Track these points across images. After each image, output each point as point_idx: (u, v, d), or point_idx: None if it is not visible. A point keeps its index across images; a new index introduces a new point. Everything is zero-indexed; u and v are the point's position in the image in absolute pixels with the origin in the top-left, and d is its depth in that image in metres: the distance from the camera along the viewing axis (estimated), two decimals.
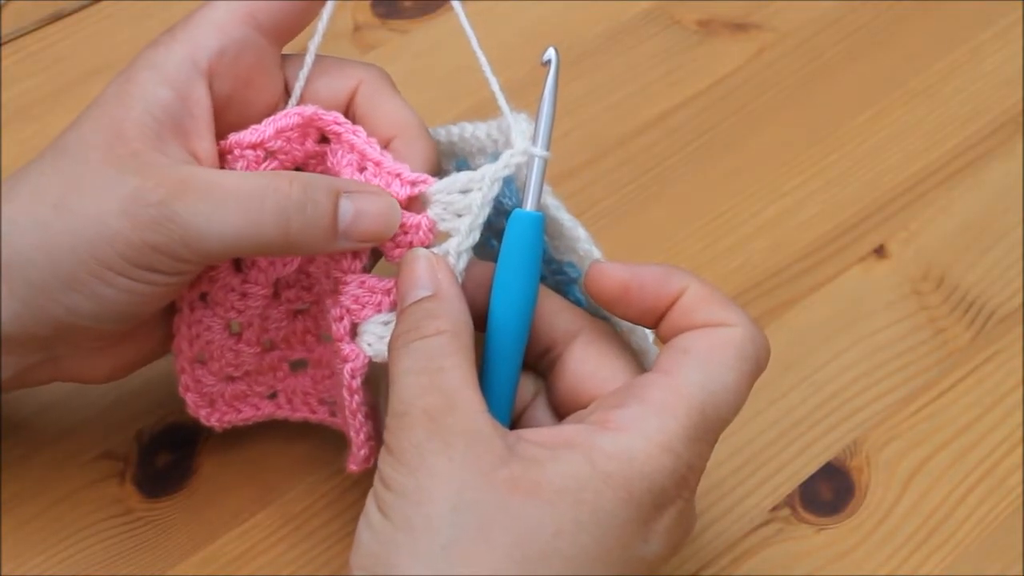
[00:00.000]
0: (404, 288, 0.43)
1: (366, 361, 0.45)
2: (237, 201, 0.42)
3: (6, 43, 0.64)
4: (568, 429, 0.41)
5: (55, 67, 0.63)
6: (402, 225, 0.44)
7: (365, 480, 0.50)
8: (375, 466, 0.42)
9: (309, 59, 0.46)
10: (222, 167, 0.45)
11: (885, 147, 0.63)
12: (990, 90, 0.66)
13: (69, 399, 0.52)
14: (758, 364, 0.43)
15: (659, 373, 0.42)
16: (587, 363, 0.44)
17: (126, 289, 0.43)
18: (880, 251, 0.60)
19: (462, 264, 0.44)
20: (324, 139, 0.47)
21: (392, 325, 0.44)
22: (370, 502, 0.41)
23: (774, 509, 0.52)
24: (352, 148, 0.45)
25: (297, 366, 0.49)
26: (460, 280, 0.44)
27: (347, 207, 0.43)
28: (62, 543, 0.49)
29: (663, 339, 0.43)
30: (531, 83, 0.64)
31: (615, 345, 0.45)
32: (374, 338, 0.45)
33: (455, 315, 0.42)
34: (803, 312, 0.58)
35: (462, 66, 0.63)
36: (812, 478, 0.53)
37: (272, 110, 0.46)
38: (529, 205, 0.44)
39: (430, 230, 0.44)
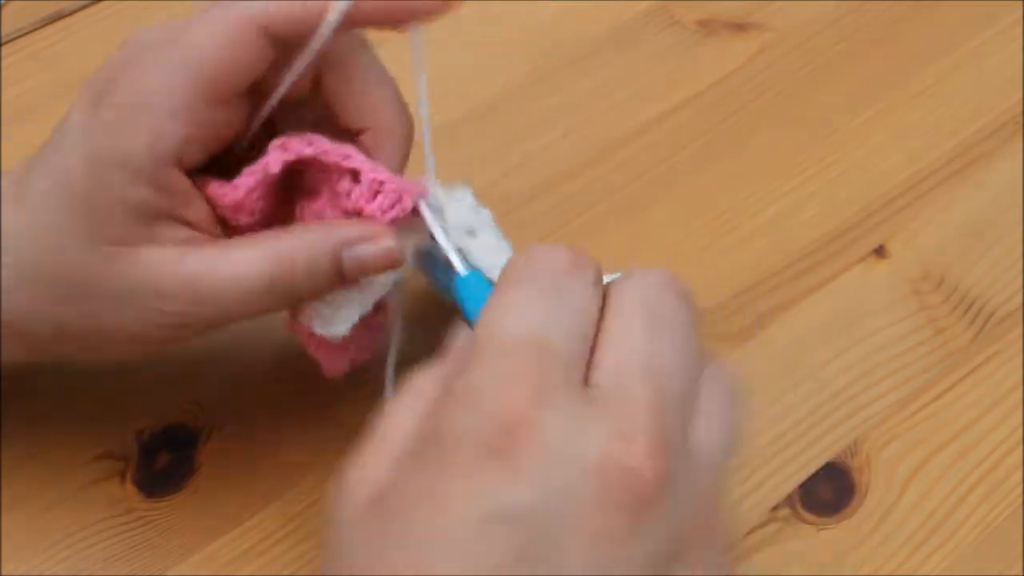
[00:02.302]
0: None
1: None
2: (249, 295, 0.43)
3: (6, 43, 0.64)
4: None
5: (55, 67, 0.63)
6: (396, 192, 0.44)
7: None
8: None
9: (278, 93, 0.45)
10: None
11: (885, 147, 0.63)
12: (990, 90, 0.66)
13: (69, 399, 0.52)
14: (527, 265, 0.39)
15: None
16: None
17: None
18: (880, 251, 0.60)
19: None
20: None
21: (343, 306, 0.45)
22: None
23: (774, 509, 0.52)
24: (340, 169, 0.44)
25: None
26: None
27: (348, 260, 0.44)
28: (62, 543, 0.49)
29: None
30: (531, 84, 0.64)
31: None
32: (316, 314, 0.45)
33: None
34: (803, 312, 0.58)
35: (463, 67, 0.63)
36: (812, 478, 0.53)
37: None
38: (458, 269, 0.44)
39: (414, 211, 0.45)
